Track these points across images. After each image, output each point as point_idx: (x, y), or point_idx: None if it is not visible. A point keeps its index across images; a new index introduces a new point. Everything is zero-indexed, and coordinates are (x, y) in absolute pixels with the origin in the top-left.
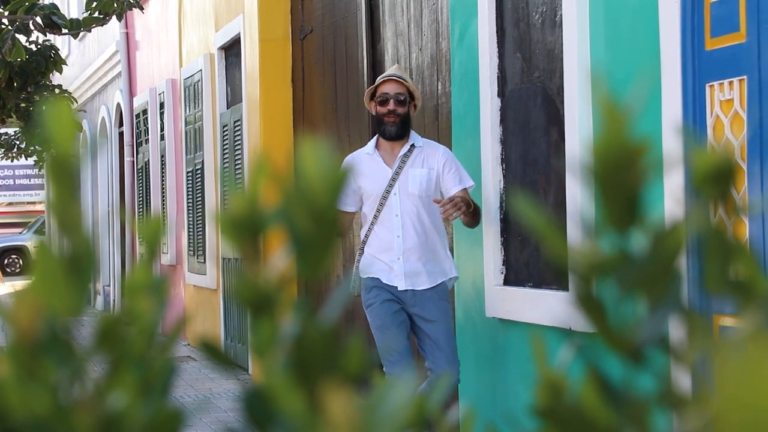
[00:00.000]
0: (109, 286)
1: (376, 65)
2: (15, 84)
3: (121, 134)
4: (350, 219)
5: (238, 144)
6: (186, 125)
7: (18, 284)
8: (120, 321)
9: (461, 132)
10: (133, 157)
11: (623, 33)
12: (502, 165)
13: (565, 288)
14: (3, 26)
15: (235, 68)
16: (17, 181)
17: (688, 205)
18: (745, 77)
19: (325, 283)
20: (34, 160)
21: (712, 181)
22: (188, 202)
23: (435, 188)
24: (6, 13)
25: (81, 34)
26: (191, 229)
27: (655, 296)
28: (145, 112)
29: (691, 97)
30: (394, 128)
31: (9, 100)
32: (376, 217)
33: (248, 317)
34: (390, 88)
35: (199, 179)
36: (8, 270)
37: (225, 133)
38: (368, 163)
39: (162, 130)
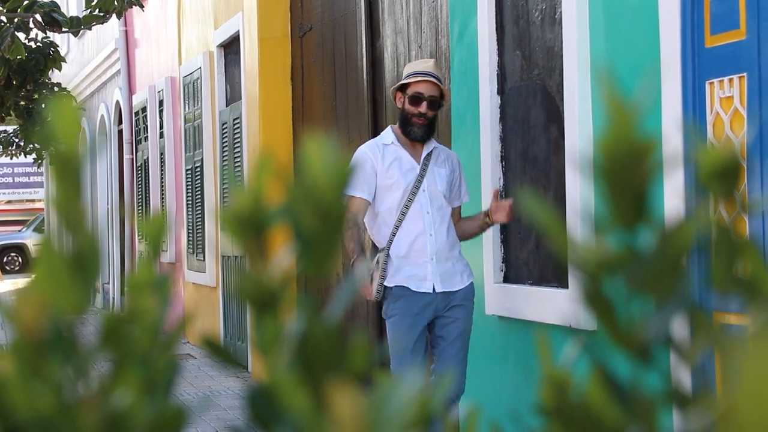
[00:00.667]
0: (108, 283)
1: (375, 63)
2: (14, 82)
3: (120, 132)
4: (364, 208)
5: (238, 142)
6: (185, 123)
7: (19, 282)
8: (124, 319)
9: (461, 129)
10: (132, 154)
11: (623, 30)
12: (501, 162)
13: (565, 285)
14: (2, 24)
15: (235, 66)
16: (16, 179)
17: (694, 202)
18: (745, 74)
19: (324, 281)
20: (33, 158)
21: (719, 179)
22: (187, 200)
23: (448, 190)
24: (5, 11)
25: (81, 32)
26: (190, 227)
27: (662, 294)
28: (144, 109)
29: (691, 94)
30: (422, 131)
31: (8, 98)
32: (404, 214)
33: (252, 315)
34: (425, 89)
35: (199, 177)
36: (7, 268)
37: (224, 130)
38: (393, 154)
39: (161, 127)
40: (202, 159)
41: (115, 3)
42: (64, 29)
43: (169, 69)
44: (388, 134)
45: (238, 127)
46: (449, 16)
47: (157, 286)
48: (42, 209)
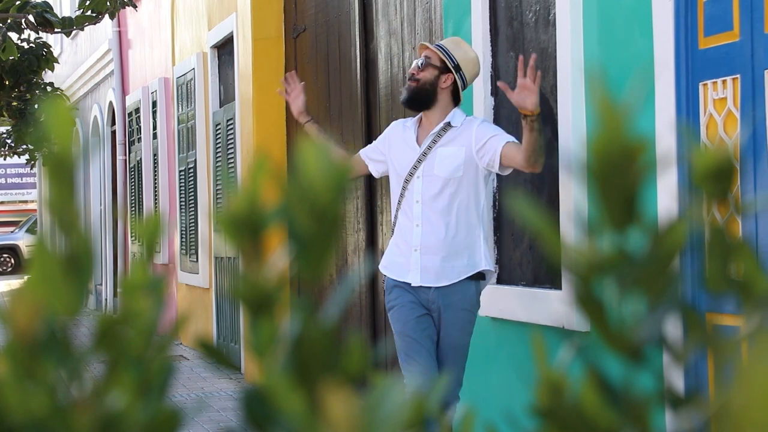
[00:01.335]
0: (101, 284)
1: (369, 64)
2: (7, 82)
3: (113, 133)
4: (364, 170)
5: (231, 143)
6: (178, 124)
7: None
8: (118, 321)
9: None
10: (125, 155)
11: (617, 32)
12: None
13: (558, 287)
14: None
15: (228, 67)
16: (9, 180)
17: (687, 203)
18: (738, 76)
19: (318, 282)
20: (26, 159)
21: (713, 180)
22: (181, 201)
23: (470, 169)
24: None
25: (73, 32)
26: (184, 228)
27: (654, 295)
28: (137, 110)
29: (685, 95)
30: (406, 93)
31: (1, 99)
32: (399, 202)
33: (247, 317)
34: (420, 52)
35: (192, 178)
36: (0, 269)
37: (218, 131)
38: (401, 135)
39: (155, 128)
40: (195, 160)
41: (108, 4)
42: (56, 30)
43: (162, 70)
44: (417, 116)
45: (231, 128)
46: (443, 18)
47: (151, 288)
48: (35, 210)
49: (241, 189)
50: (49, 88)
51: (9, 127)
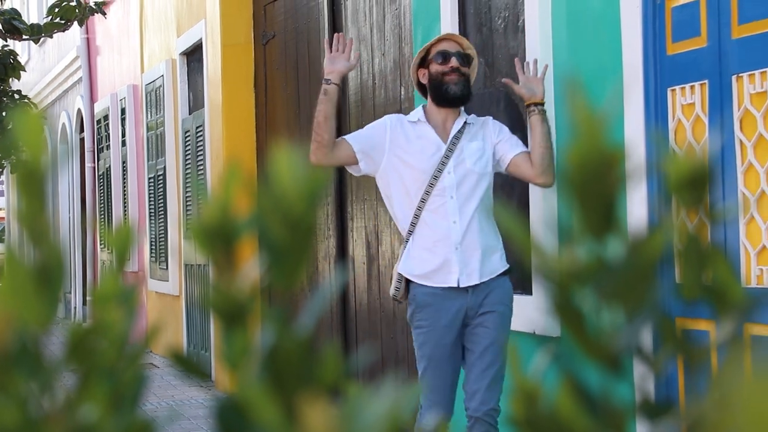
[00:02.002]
0: (70, 293)
1: None
2: None
3: (82, 140)
4: (347, 155)
5: (201, 150)
6: (148, 131)
7: None
8: (90, 332)
9: None
10: (94, 163)
11: (585, 37)
12: None
13: (529, 292)
14: None
15: (197, 74)
16: None
17: (660, 211)
18: (706, 81)
19: (289, 291)
20: None
21: (688, 188)
22: (150, 208)
23: (491, 164)
24: None
25: (41, 39)
26: (153, 236)
27: (632, 304)
28: (106, 117)
29: (653, 101)
30: (459, 86)
31: None
32: (423, 201)
33: (220, 328)
34: (449, 46)
35: (161, 185)
36: None
37: (187, 138)
38: (417, 131)
39: (123, 136)
40: (164, 167)
41: (77, 11)
42: (24, 37)
43: (131, 77)
44: (417, 112)
45: (201, 135)
46: (412, 24)
47: (123, 298)
48: (3, 218)
49: (213, 198)
50: (17, 96)
51: None
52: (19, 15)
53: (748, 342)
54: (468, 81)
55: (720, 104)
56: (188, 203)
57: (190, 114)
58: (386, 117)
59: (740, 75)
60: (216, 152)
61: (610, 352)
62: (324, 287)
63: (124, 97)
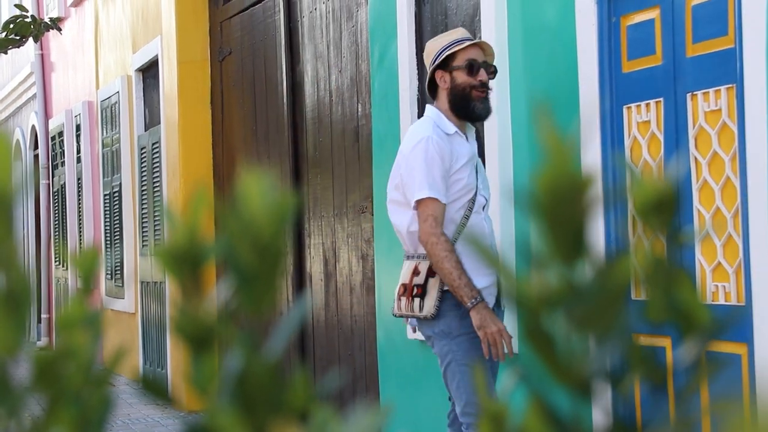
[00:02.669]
0: None
1: (295, 87)
2: None
3: (36, 157)
4: (443, 213)
5: (157, 166)
6: (103, 147)
7: None
8: (56, 357)
9: (381, 154)
10: (48, 179)
11: (541, 54)
12: None
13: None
14: None
15: (153, 90)
16: None
17: (630, 235)
18: (661, 99)
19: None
20: None
21: (654, 212)
22: (106, 225)
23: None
24: None
25: None
26: (108, 253)
27: (602, 328)
28: (61, 134)
29: (609, 118)
30: (486, 106)
31: None
32: (467, 217)
33: (188, 352)
34: (477, 55)
35: (117, 202)
36: None
37: (143, 155)
38: (458, 145)
39: (78, 152)
40: (120, 184)
41: (32, 27)
42: None
43: (86, 93)
44: (444, 120)
45: (157, 152)
46: (369, 41)
47: (89, 322)
48: None
49: (180, 221)
50: None
51: None
52: None
53: (708, 359)
54: (489, 96)
55: (675, 122)
56: (144, 220)
57: (146, 130)
58: (433, 141)
59: (695, 93)
60: (172, 169)
61: (580, 376)
62: (293, 313)
63: (79, 114)
